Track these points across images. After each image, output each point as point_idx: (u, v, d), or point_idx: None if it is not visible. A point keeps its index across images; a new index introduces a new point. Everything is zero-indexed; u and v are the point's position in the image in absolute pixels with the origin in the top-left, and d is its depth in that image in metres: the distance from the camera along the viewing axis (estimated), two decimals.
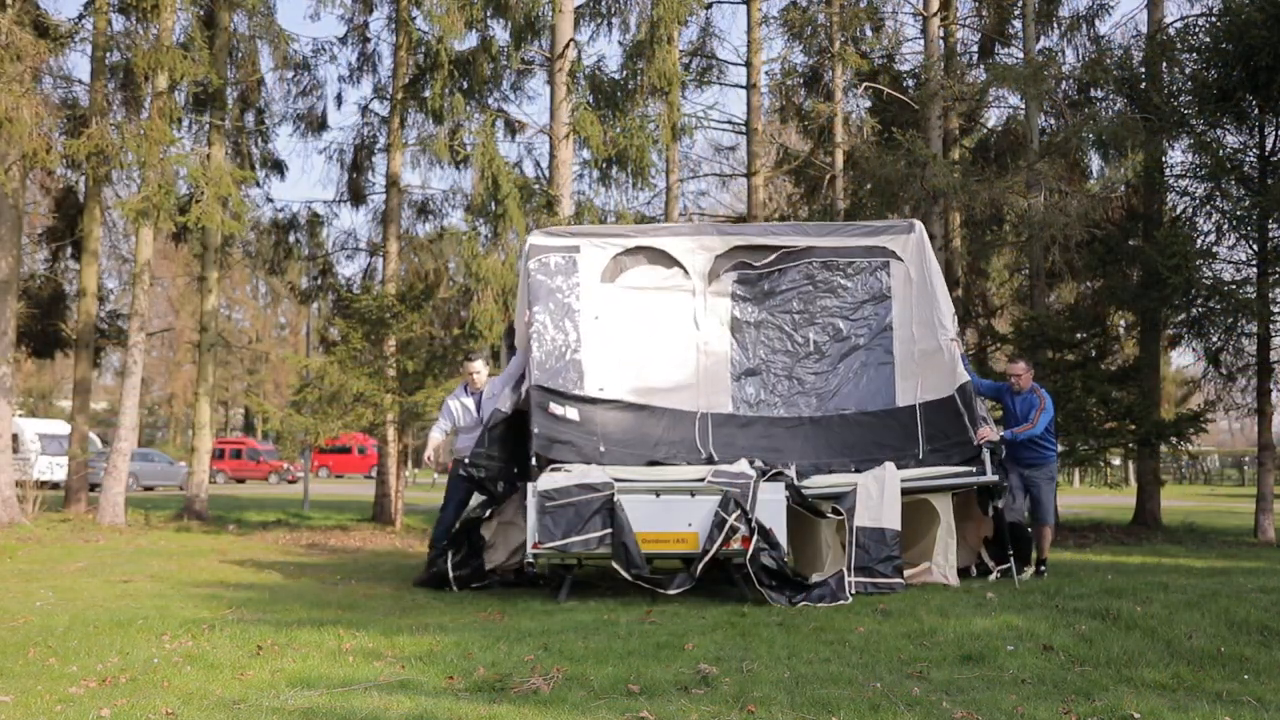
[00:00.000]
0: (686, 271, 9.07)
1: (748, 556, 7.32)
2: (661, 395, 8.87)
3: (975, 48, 19.16)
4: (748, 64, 18.56)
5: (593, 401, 8.59)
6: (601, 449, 8.39)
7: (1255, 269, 13.27)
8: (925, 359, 8.87)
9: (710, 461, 8.39)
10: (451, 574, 8.35)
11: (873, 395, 8.97)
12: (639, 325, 8.95)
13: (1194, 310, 13.61)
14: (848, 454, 8.66)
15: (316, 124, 19.44)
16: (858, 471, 8.32)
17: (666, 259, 9.08)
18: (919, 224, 9.28)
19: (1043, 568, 8.68)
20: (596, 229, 9.44)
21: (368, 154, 19.42)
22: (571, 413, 8.40)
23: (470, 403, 9.02)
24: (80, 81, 17.21)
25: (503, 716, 4.32)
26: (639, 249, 9.13)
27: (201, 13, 16.74)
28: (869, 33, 19.33)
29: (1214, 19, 13.75)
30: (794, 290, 9.17)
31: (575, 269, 8.82)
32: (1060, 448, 8.77)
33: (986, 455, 8.16)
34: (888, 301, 9.10)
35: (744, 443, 8.66)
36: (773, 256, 9.13)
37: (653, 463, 8.38)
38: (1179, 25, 15.09)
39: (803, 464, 8.43)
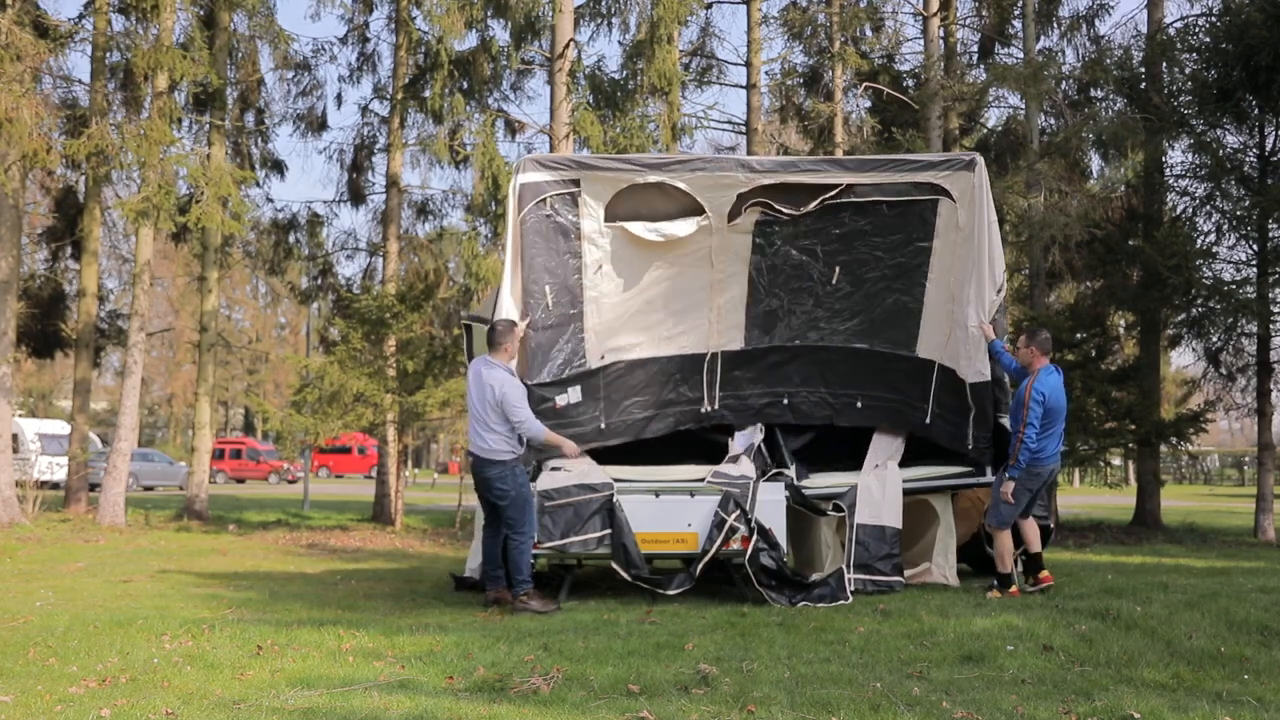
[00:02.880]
0: (704, 210, 7.92)
1: (746, 557, 7.32)
2: (670, 342, 8.25)
3: (975, 48, 19.16)
4: (748, 64, 18.56)
5: (594, 373, 8.02)
6: (602, 424, 8.04)
7: (1255, 269, 13.27)
8: (957, 324, 8.10)
9: (711, 419, 8.27)
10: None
11: (892, 336, 8.31)
12: (647, 270, 8.04)
13: (1194, 310, 13.61)
14: (854, 387, 8.37)
15: (316, 124, 19.47)
16: (861, 409, 8.30)
17: (681, 195, 7.89)
18: (980, 160, 8.08)
19: (995, 584, 7.61)
20: (600, 160, 8.14)
21: (368, 154, 19.45)
22: (574, 395, 7.92)
23: None
24: (80, 81, 17.24)
25: (503, 716, 4.32)
26: (650, 185, 7.91)
27: (201, 13, 16.76)
28: (869, 33, 19.34)
29: (1214, 19, 13.76)
30: (824, 227, 8.07)
31: (575, 207, 7.74)
32: (1062, 447, 7.87)
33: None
34: (928, 244, 8.10)
35: (750, 375, 8.31)
36: (810, 204, 7.92)
37: (651, 422, 8.20)
38: (1179, 25, 15.09)
39: (806, 395, 8.29)
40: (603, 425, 8.06)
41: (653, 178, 7.77)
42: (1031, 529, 7.69)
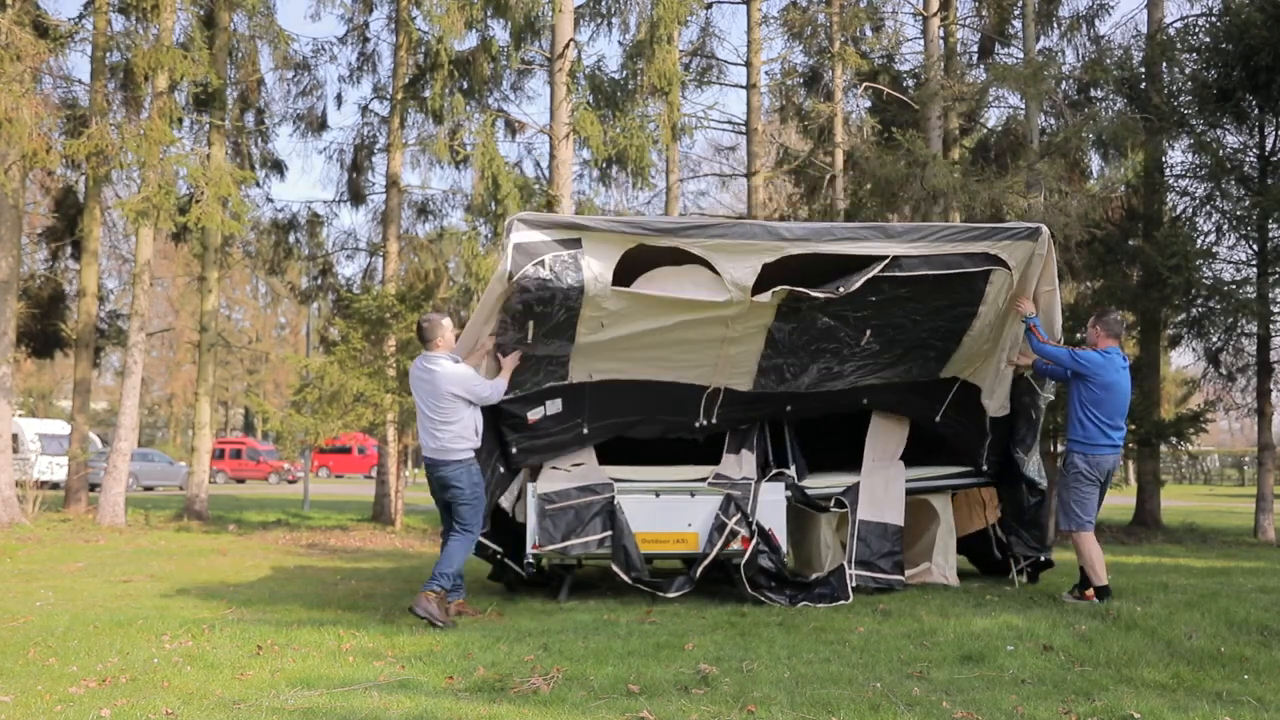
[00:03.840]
0: (723, 281, 6.90)
1: (744, 560, 7.30)
2: (668, 372, 7.54)
3: (975, 48, 19.17)
4: (748, 64, 18.57)
5: (579, 385, 7.35)
6: (585, 429, 7.51)
7: (1255, 269, 13.27)
8: (990, 360, 7.74)
9: (705, 431, 7.75)
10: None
11: (915, 372, 7.78)
12: (653, 326, 7.12)
13: (1194, 310, 13.61)
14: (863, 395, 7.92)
15: (316, 124, 19.46)
16: (867, 402, 7.95)
17: (697, 263, 6.96)
18: (1045, 231, 7.23)
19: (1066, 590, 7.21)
20: (607, 222, 7.07)
21: (368, 154, 19.45)
22: (555, 407, 7.33)
23: None
24: (80, 81, 17.24)
25: (503, 716, 4.31)
26: (661, 251, 7.00)
27: (201, 13, 16.76)
28: (869, 33, 19.34)
29: (1214, 19, 13.76)
30: (859, 295, 7.05)
31: (577, 270, 6.74)
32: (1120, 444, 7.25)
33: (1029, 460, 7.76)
34: (974, 309, 7.35)
35: (753, 402, 7.69)
36: (847, 283, 6.94)
37: (638, 425, 7.69)
38: (1179, 25, 15.09)
39: (809, 403, 7.84)
40: (585, 430, 7.54)
41: (665, 242, 6.84)
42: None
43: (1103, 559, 6.99)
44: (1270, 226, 13.11)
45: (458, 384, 6.70)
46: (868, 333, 7.34)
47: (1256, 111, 13.24)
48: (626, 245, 6.81)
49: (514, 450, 7.46)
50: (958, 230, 7.19)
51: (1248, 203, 13.11)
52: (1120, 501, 22.08)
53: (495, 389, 6.87)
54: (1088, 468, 6.98)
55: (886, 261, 6.93)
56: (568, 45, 15.15)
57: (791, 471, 7.94)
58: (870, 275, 6.92)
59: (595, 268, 6.76)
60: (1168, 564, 9.92)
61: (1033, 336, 7.23)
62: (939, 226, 7.24)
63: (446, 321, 6.95)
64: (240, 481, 40.01)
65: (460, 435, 6.72)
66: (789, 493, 7.72)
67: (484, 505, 6.94)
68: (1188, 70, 13.91)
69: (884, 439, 8.18)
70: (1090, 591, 6.94)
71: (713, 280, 6.91)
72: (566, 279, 6.73)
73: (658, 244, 6.84)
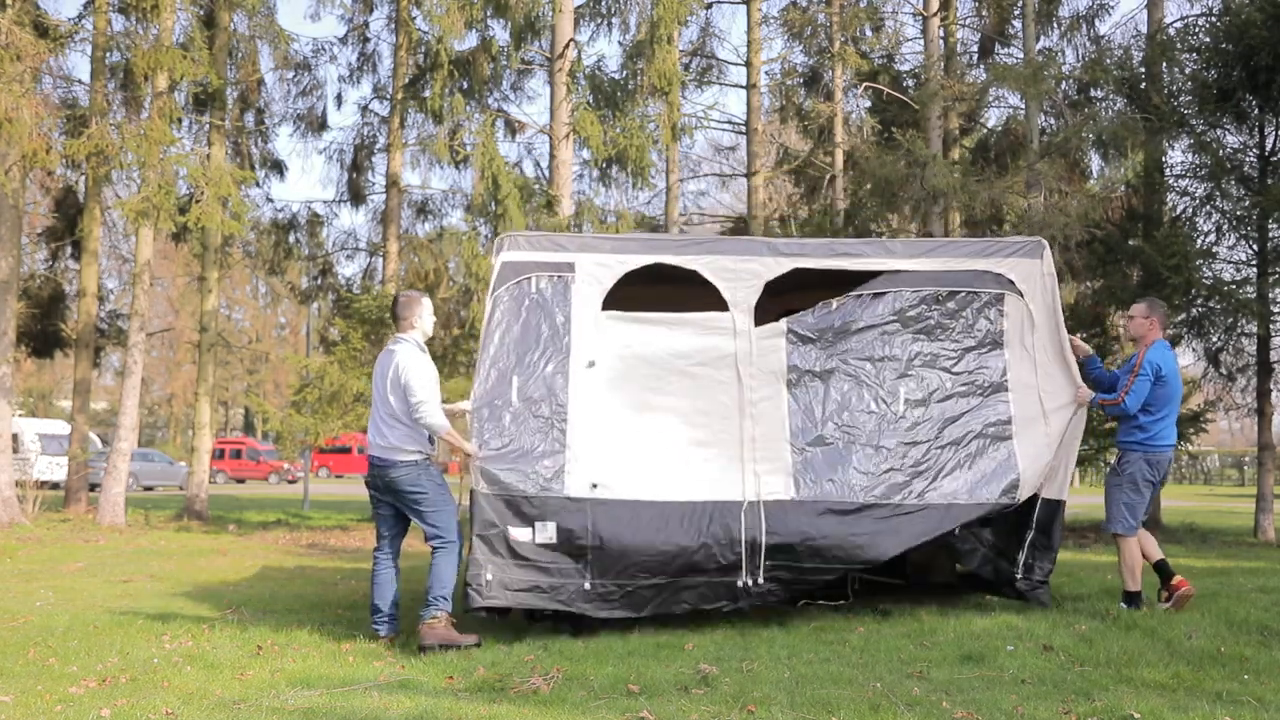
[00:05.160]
0: (725, 302, 6.50)
1: None
2: (688, 482, 6.21)
3: (975, 48, 19.18)
4: (748, 64, 18.57)
5: (578, 503, 5.98)
6: (587, 584, 5.96)
7: (1255, 269, 13.26)
8: (1056, 437, 6.65)
9: (752, 598, 6.16)
10: None
11: (987, 478, 6.46)
12: (656, 378, 6.40)
13: (1194, 310, 13.60)
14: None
15: (316, 124, 19.48)
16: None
17: (697, 286, 6.55)
18: (1045, 245, 6.93)
19: (1134, 602, 6.53)
20: (597, 239, 6.67)
21: (368, 154, 19.46)
22: (545, 533, 5.90)
23: None
24: (80, 81, 17.24)
25: (503, 716, 4.31)
26: (658, 268, 6.60)
27: (201, 13, 16.76)
28: (869, 33, 19.36)
29: (1214, 19, 13.75)
30: (875, 329, 6.60)
31: (568, 295, 6.36)
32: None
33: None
34: (1000, 350, 6.71)
35: (806, 535, 6.14)
36: (849, 298, 6.64)
37: (660, 593, 6.11)
38: (1179, 25, 15.09)
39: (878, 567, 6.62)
40: (587, 585, 5.98)
41: (661, 258, 6.50)
42: (1144, 535, 6.66)
43: (1140, 564, 6.59)
44: (1270, 226, 13.10)
45: (405, 379, 5.87)
46: (901, 397, 6.54)
47: (1256, 111, 13.24)
48: (622, 269, 6.46)
49: (487, 576, 5.87)
50: (959, 245, 6.96)
51: (1248, 203, 13.11)
52: None
53: (432, 411, 5.87)
54: (1149, 469, 6.45)
55: (885, 274, 6.69)
56: (568, 45, 15.15)
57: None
58: (859, 285, 6.68)
59: (585, 292, 6.42)
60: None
61: (1111, 408, 6.55)
62: (940, 241, 6.95)
63: (426, 301, 6.24)
64: (240, 481, 40.02)
65: (410, 436, 5.94)
66: None
67: (455, 508, 6.07)
68: (1188, 70, 13.90)
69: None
70: (1176, 589, 6.50)
71: (714, 302, 6.58)
72: (554, 302, 6.39)
73: (651, 261, 6.48)
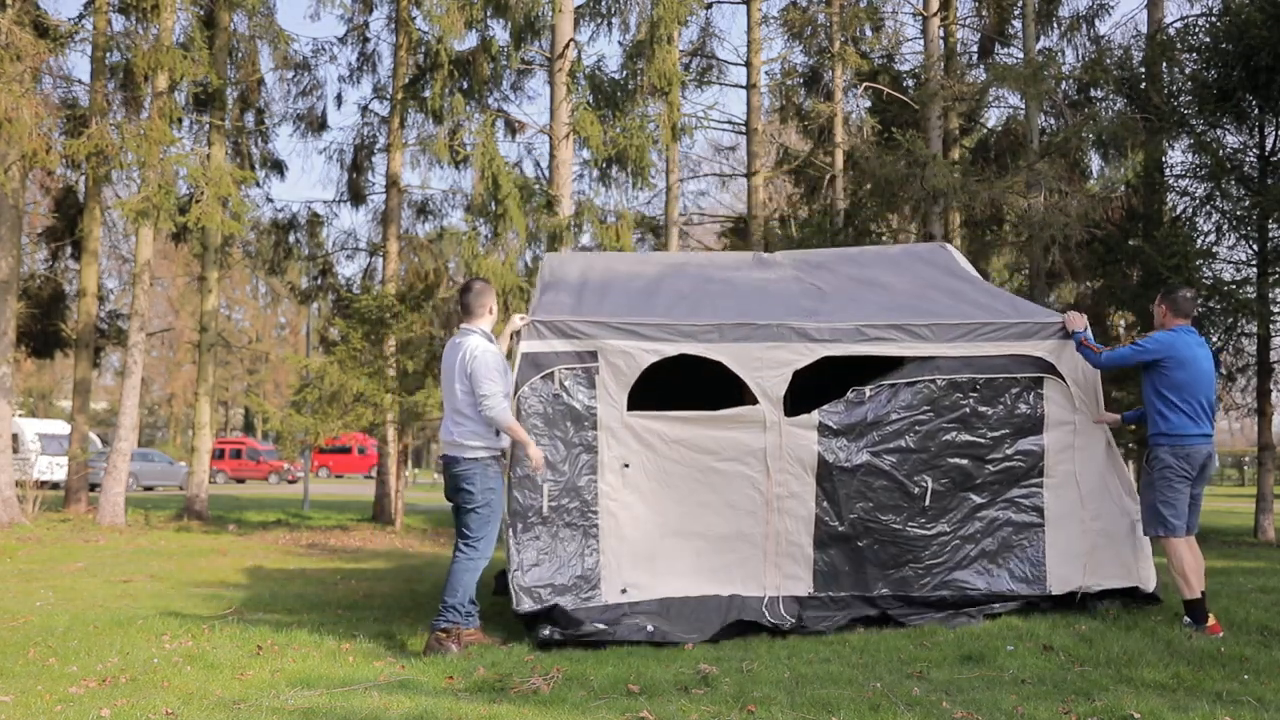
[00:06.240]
0: (753, 394, 6.34)
1: None
2: (713, 575, 6.25)
3: (975, 48, 19.19)
4: (748, 64, 18.57)
5: (612, 609, 6.01)
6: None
7: (1255, 269, 13.26)
8: (1100, 528, 6.45)
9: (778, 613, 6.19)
10: None
11: (1012, 572, 6.40)
12: (683, 477, 6.26)
13: (1194, 310, 13.60)
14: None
15: (316, 124, 19.49)
16: None
17: (723, 375, 6.45)
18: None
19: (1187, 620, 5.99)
20: (620, 326, 6.30)
21: (368, 154, 19.46)
22: (578, 631, 5.85)
23: None
24: (80, 81, 17.24)
25: (503, 716, 4.31)
26: (683, 361, 6.43)
27: (201, 13, 16.77)
28: (869, 33, 19.37)
29: (1214, 19, 13.75)
30: (908, 419, 6.41)
31: (592, 389, 6.20)
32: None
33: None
34: (1039, 436, 6.47)
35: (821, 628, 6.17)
36: (884, 387, 6.44)
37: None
38: (1179, 25, 15.09)
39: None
40: None
41: (686, 348, 6.29)
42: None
43: (1200, 568, 5.98)
44: (1270, 226, 13.10)
45: (469, 368, 5.76)
46: (929, 487, 6.38)
47: (1256, 111, 13.24)
48: (646, 359, 6.23)
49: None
50: (996, 328, 6.48)
51: (1248, 203, 13.11)
52: None
53: (498, 404, 5.76)
54: (1176, 461, 5.99)
55: (918, 360, 6.42)
56: (568, 45, 15.15)
57: None
58: (890, 375, 6.43)
59: (611, 387, 6.22)
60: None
61: (1087, 351, 6.32)
62: (976, 325, 6.49)
63: (493, 292, 6.15)
64: (240, 481, 40.03)
65: (477, 432, 5.80)
66: None
67: (498, 518, 5.92)
68: (1188, 70, 13.90)
69: None
70: (1212, 623, 5.90)
71: (742, 394, 6.47)
72: (579, 396, 6.20)
73: (675, 351, 6.28)
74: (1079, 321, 6.44)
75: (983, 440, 6.44)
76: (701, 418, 6.29)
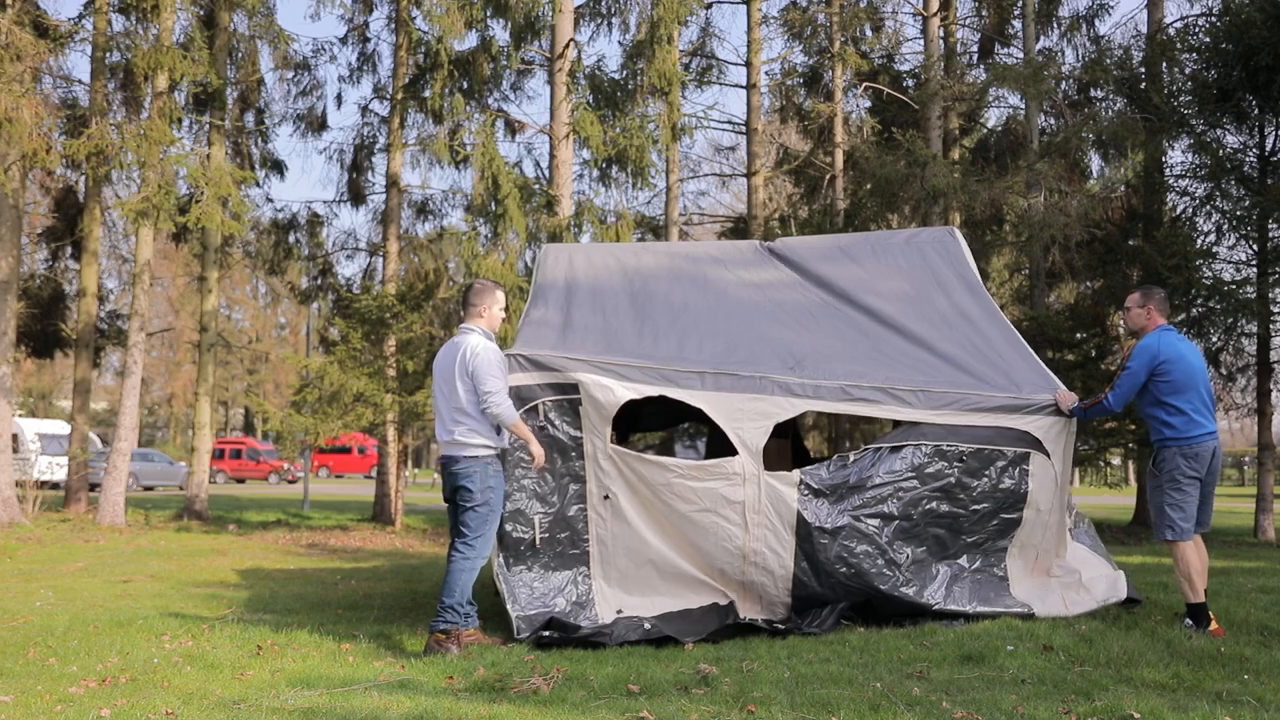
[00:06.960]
0: (733, 444, 6.24)
1: None
2: (711, 594, 6.34)
3: (975, 48, 19.20)
4: (748, 64, 18.57)
5: (602, 633, 5.91)
6: None
7: (1255, 269, 13.27)
8: (1059, 577, 6.55)
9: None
10: None
11: (970, 597, 6.41)
12: (665, 512, 6.24)
13: (1194, 310, 13.60)
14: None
15: (316, 124, 19.49)
16: None
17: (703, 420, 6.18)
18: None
19: (1188, 622, 5.97)
20: (601, 364, 6.28)
21: (368, 154, 19.47)
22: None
23: None
24: (80, 81, 17.25)
25: (503, 716, 4.31)
26: (664, 400, 6.38)
27: (201, 13, 16.78)
28: (869, 33, 19.39)
29: (1214, 19, 13.75)
30: (891, 485, 6.24)
31: (575, 419, 6.22)
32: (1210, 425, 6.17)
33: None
34: (1020, 509, 6.35)
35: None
36: (867, 451, 6.37)
37: None
38: (1179, 25, 15.10)
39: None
40: None
41: (667, 390, 6.24)
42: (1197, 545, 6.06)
43: (1205, 571, 5.95)
44: (1270, 226, 13.10)
45: (473, 367, 5.74)
46: (909, 550, 6.28)
47: (1256, 111, 13.24)
48: (625, 395, 6.18)
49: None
50: (985, 400, 6.33)
51: (1248, 203, 13.11)
52: (1120, 501, 22.09)
53: (501, 401, 5.75)
54: (1184, 462, 5.93)
55: (903, 426, 6.32)
56: (568, 45, 15.15)
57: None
58: (893, 441, 6.32)
59: (594, 420, 6.18)
60: (1167, 564, 9.90)
61: (1095, 409, 6.23)
62: (965, 394, 6.36)
63: (500, 294, 6.10)
64: (240, 481, 40.03)
65: (476, 430, 5.77)
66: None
67: (497, 517, 5.86)
68: (1188, 70, 13.90)
69: None
70: (1214, 626, 5.87)
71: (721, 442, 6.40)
72: (564, 428, 6.21)
73: (655, 392, 6.22)
74: (1068, 399, 6.34)
75: (965, 513, 6.31)
76: (682, 466, 6.20)
